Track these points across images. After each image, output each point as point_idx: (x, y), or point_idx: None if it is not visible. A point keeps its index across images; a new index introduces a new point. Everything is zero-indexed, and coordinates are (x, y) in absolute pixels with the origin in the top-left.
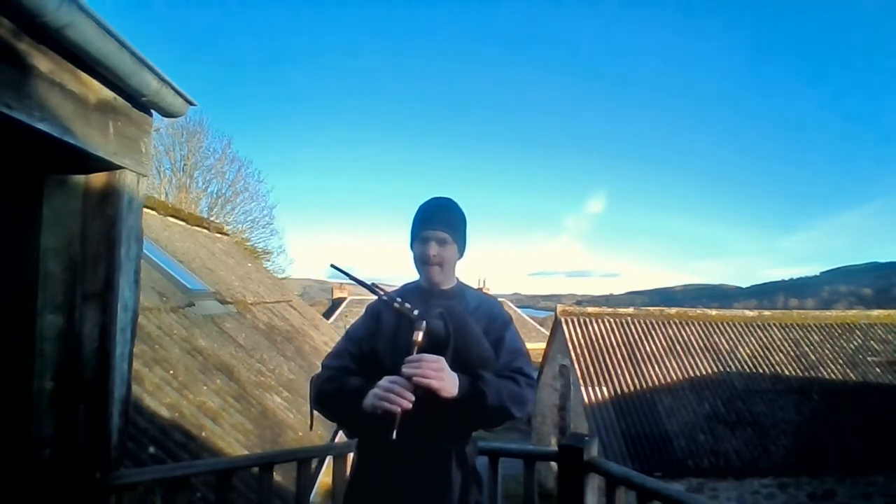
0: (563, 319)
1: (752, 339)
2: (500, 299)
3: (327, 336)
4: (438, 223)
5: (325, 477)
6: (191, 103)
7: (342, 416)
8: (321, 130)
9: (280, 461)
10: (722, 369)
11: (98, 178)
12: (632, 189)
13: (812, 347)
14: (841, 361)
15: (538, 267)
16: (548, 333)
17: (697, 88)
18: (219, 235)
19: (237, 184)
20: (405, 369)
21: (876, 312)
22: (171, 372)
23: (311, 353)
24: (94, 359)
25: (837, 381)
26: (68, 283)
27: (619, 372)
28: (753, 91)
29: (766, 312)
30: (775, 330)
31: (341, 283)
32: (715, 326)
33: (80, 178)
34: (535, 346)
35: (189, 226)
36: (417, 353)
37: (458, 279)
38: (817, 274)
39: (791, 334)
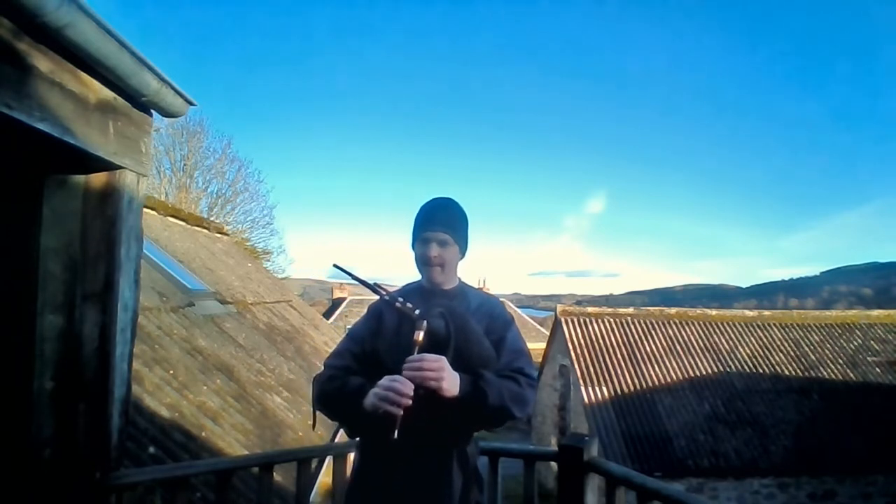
0: (563, 319)
1: (752, 339)
2: (500, 299)
3: (327, 336)
4: (439, 224)
5: (325, 477)
6: (191, 103)
7: (343, 416)
8: (321, 130)
9: (280, 461)
10: (722, 369)
11: (98, 178)
12: (632, 189)
13: (812, 347)
14: (841, 361)
15: (538, 267)
16: (548, 333)
17: (697, 88)
18: (219, 235)
19: (237, 184)
20: (406, 369)
21: (876, 312)
22: (171, 372)
23: (311, 353)
24: (94, 359)
25: (837, 381)
26: (68, 283)
27: (619, 372)
28: (753, 91)
29: (766, 312)
30: (775, 330)
31: (341, 283)
32: (715, 326)
33: (80, 178)
34: (535, 346)
35: (189, 226)
36: (419, 352)
37: (459, 279)
38: (817, 274)
39: (791, 334)
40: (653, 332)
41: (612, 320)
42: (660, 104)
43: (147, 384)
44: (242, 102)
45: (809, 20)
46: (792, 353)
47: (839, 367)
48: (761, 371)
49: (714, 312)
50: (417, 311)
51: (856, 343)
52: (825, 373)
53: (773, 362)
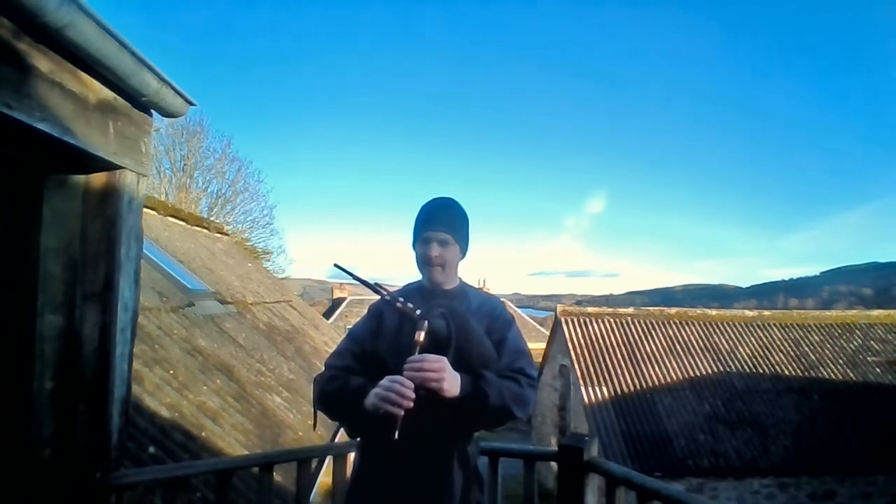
0: (563, 319)
1: (752, 339)
2: (500, 299)
3: (327, 336)
4: (440, 224)
5: (325, 477)
6: (191, 103)
7: (344, 416)
8: (321, 130)
9: (280, 461)
10: (722, 369)
11: (98, 178)
12: (632, 189)
13: (812, 347)
14: (841, 361)
15: (538, 267)
16: (548, 333)
17: (697, 88)
18: (219, 235)
19: (237, 184)
20: (407, 369)
21: (876, 312)
22: (171, 372)
23: (311, 353)
24: (94, 359)
25: (837, 381)
26: (68, 283)
27: (619, 372)
28: (753, 91)
29: (766, 312)
30: (775, 330)
31: (341, 283)
32: (715, 326)
33: (80, 178)
34: (536, 346)
35: (189, 226)
36: (419, 352)
37: (460, 279)
38: (817, 274)
39: (791, 334)
40: (653, 332)
41: (612, 320)
42: (660, 104)
43: (147, 384)
44: (242, 102)
45: (810, 20)
46: (792, 353)
47: (839, 367)
48: (761, 371)
49: (714, 312)
50: (418, 312)
51: (856, 343)
52: (825, 373)
53: (773, 362)
